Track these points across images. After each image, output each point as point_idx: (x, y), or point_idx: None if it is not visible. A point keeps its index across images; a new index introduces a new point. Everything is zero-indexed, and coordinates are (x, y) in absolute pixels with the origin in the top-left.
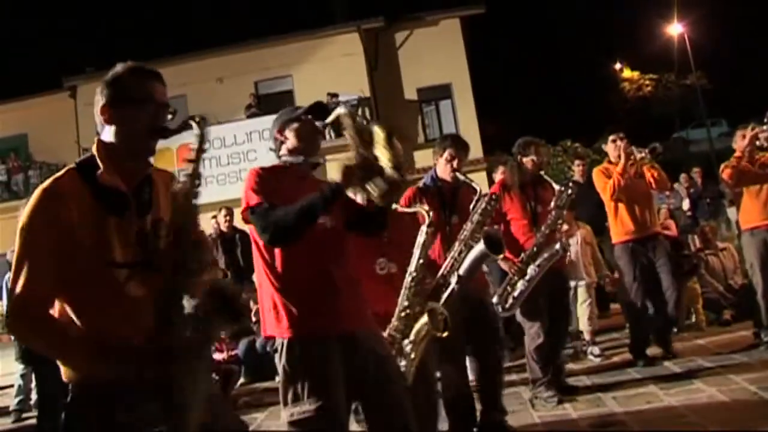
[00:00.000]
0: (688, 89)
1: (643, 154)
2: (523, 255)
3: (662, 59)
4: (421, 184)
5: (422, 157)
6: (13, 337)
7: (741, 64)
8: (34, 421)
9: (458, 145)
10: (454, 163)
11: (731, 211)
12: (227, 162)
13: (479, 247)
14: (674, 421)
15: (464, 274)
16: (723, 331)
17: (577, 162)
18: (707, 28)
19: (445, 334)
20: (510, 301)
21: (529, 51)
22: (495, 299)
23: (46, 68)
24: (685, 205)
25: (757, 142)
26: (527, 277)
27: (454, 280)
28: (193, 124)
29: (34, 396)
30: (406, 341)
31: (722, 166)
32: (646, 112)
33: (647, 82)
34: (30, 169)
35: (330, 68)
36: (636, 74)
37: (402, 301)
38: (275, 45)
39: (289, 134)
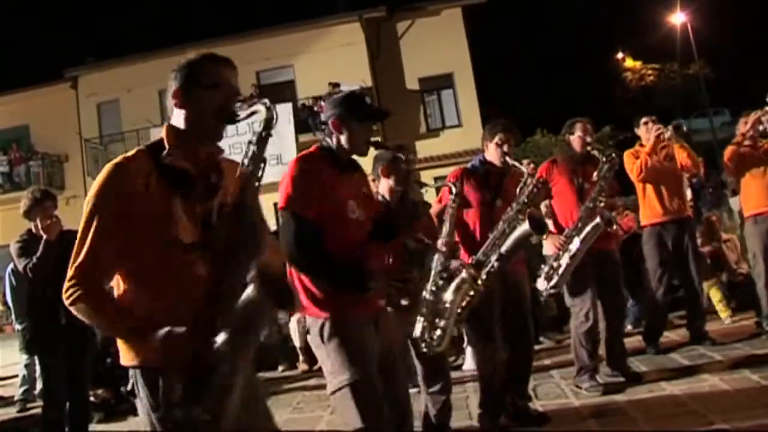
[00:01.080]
0: (690, 79)
1: (669, 133)
2: (567, 230)
3: (665, 49)
4: (469, 165)
5: (424, 147)
6: (19, 328)
7: (744, 53)
8: (38, 410)
9: (509, 130)
10: (505, 148)
11: (733, 201)
12: (229, 152)
13: (523, 226)
14: (676, 409)
15: (506, 252)
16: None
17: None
18: (710, 17)
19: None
20: (555, 278)
21: (530, 40)
22: (541, 277)
23: (47, 59)
24: (688, 194)
25: (761, 127)
26: (571, 253)
27: (494, 257)
28: (262, 109)
29: (38, 386)
30: (442, 303)
31: (725, 150)
32: (649, 101)
33: (649, 71)
34: (31, 160)
35: (331, 58)
36: (638, 64)
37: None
38: (276, 35)
39: (346, 131)
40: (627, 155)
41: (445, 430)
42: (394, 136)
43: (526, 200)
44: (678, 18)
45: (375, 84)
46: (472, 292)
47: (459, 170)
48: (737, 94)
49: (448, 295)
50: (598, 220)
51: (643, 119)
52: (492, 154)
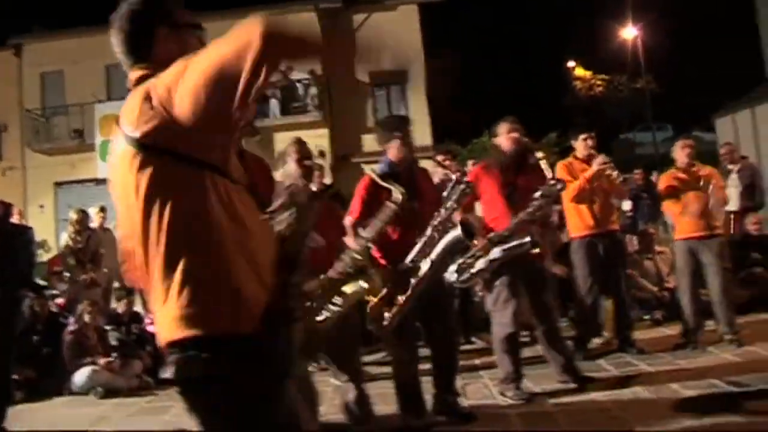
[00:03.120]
0: (637, 92)
1: (615, 174)
2: (493, 234)
3: (615, 61)
4: (378, 170)
5: (370, 141)
6: None
7: (689, 72)
8: None
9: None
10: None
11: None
12: None
13: (454, 232)
14: (599, 414)
15: (437, 258)
16: (653, 330)
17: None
18: (660, 35)
19: (372, 300)
20: (466, 275)
21: (484, 42)
22: (452, 269)
23: None
24: (627, 205)
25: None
26: (490, 257)
27: (425, 265)
28: None
29: None
30: (338, 296)
31: (661, 177)
32: (597, 111)
33: (599, 82)
34: None
35: None
36: (588, 74)
37: (349, 257)
38: (231, 18)
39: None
40: (561, 167)
41: (369, 418)
42: (340, 127)
43: (454, 205)
44: (629, 32)
45: (326, 74)
46: (370, 297)
47: (368, 178)
48: (680, 111)
49: (347, 288)
50: (528, 238)
51: (583, 135)
52: (395, 154)
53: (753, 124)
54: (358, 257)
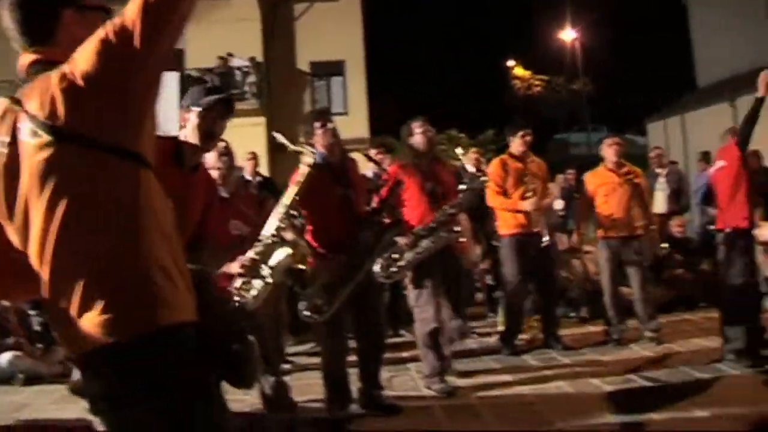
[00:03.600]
0: (574, 94)
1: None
2: (419, 228)
3: (554, 62)
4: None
5: None
6: None
7: (625, 76)
8: None
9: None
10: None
11: None
12: None
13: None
14: (522, 408)
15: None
16: (578, 327)
17: (473, 150)
18: (598, 38)
19: (303, 267)
20: (392, 269)
21: (426, 37)
22: (377, 266)
23: None
24: (559, 204)
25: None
26: (418, 250)
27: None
28: None
29: None
30: (265, 265)
31: (587, 175)
32: (534, 111)
33: (537, 82)
34: None
35: (225, 31)
36: (528, 73)
37: (271, 227)
38: None
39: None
40: (496, 164)
41: (288, 408)
42: (278, 116)
43: (388, 201)
44: (568, 34)
45: (266, 62)
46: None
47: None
48: (615, 114)
49: (272, 260)
50: (456, 228)
51: (521, 132)
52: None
53: (683, 130)
54: (281, 224)
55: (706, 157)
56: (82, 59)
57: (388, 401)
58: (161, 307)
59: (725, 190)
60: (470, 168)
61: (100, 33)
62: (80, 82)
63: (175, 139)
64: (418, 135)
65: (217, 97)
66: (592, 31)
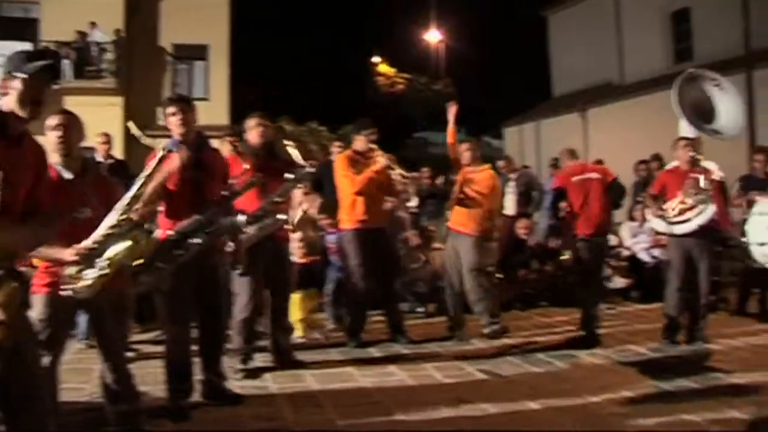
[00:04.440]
0: (436, 94)
1: (396, 173)
2: (247, 215)
3: (418, 62)
4: (166, 149)
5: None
6: None
7: (485, 80)
8: None
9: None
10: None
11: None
12: None
13: (238, 217)
14: (362, 400)
15: (209, 236)
16: (424, 322)
17: (336, 143)
18: (462, 41)
19: (138, 262)
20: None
21: (293, 28)
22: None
23: None
24: (413, 202)
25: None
26: (244, 237)
27: (197, 239)
28: None
29: None
30: (103, 256)
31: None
32: (396, 108)
33: (401, 80)
34: None
35: (85, 4)
36: (392, 71)
37: (115, 216)
38: None
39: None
40: (342, 159)
41: (130, 397)
42: (136, 98)
43: (239, 191)
44: (434, 35)
45: (128, 40)
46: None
47: (155, 153)
48: (474, 116)
49: (111, 252)
50: (282, 216)
51: (367, 131)
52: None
53: (537, 136)
54: (122, 216)
55: (556, 163)
56: None
57: (231, 391)
58: None
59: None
60: (298, 159)
61: None
62: None
63: None
64: (252, 131)
65: (44, 63)
66: (457, 35)
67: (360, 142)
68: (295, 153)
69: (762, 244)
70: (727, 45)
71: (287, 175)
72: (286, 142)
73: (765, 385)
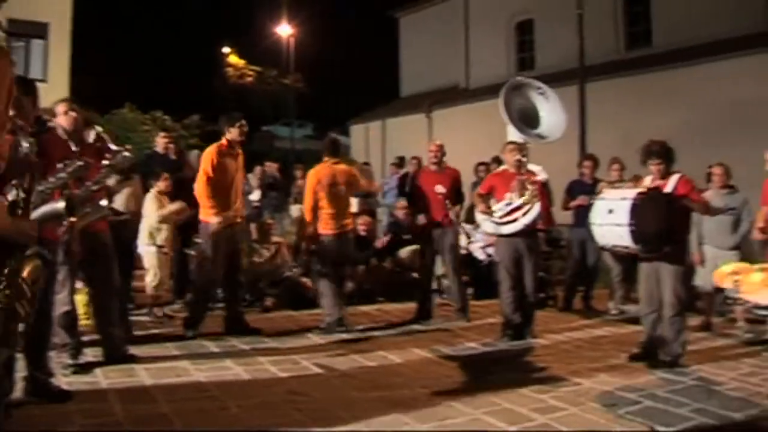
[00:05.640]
0: (285, 88)
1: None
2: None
3: (269, 55)
4: None
5: None
6: None
7: (335, 77)
8: None
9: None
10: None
11: (294, 208)
12: None
13: (56, 205)
14: (197, 393)
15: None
16: (263, 317)
17: (162, 134)
18: (313, 37)
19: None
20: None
21: (141, 12)
22: None
23: None
24: (256, 195)
25: None
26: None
27: None
28: None
29: None
30: None
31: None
32: (243, 100)
33: (250, 72)
34: None
35: None
36: (242, 62)
37: None
38: None
39: None
40: (210, 152)
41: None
42: None
43: (65, 176)
44: (285, 29)
45: None
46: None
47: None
48: (322, 112)
49: None
50: (104, 203)
51: (240, 122)
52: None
53: (383, 134)
54: None
55: (400, 162)
56: None
57: (58, 387)
58: None
59: None
60: (113, 145)
61: None
62: None
63: None
64: (60, 116)
65: None
66: (309, 30)
67: (234, 134)
68: (107, 138)
69: (600, 225)
70: (565, 58)
71: (104, 162)
72: (97, 128)
73: (583, 372)
